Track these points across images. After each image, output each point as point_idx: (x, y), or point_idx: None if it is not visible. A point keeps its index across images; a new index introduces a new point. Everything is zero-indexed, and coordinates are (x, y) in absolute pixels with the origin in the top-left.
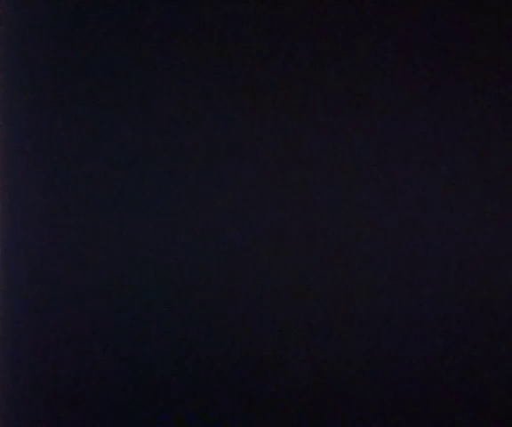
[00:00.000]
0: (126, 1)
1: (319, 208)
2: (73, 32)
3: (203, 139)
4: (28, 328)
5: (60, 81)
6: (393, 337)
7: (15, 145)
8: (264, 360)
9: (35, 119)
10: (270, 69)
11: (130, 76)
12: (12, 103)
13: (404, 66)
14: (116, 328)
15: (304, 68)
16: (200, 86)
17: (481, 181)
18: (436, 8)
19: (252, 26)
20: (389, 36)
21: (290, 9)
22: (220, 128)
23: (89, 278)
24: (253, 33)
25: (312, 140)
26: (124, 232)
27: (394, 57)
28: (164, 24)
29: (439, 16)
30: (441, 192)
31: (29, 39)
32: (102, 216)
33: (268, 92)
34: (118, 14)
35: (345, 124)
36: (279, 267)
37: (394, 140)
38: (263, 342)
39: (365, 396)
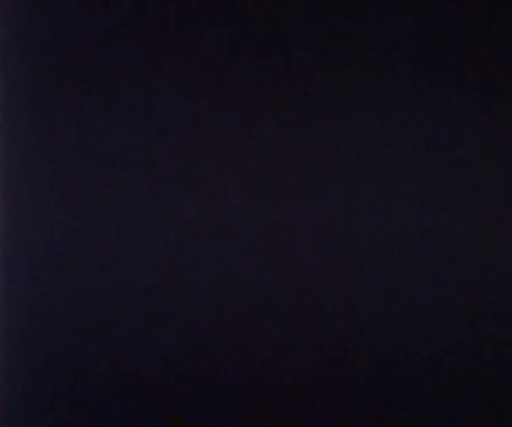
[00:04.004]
0: (127, 1)
1: (319, 208)
2: (73, 32)
3: (202, 139)
4: (28, 328)
5: (61, 81)
6: (393, 337)
7: (15, 145)
8: (264, 360)
9: (35, 119)
10: (270, 69)
11: (131, 76)
12: (12, 103)
13: (404, 66)
14: (117, 328)
15: (304, 69)
16: (200, 86)
17: (480, 181)
18: (436, 8)
19: (251, 25)
20: (389, 36)
21: (290, 9)
22: (220, 128)
23: (89, 279)
24: (253, 33)
25: (311, 140)
26: (124, 232)
27: (394, 57)
28: (164, 24)
29: (439, 16)
30: (441, 192)
31: (29, 39)
32: (103, 216)
33: (268, 92)
34: (119, 14)
35: (344, 123)
36: (279, 267)
37: (394, 139)
38: (263, 342)
39: (365, 396)
